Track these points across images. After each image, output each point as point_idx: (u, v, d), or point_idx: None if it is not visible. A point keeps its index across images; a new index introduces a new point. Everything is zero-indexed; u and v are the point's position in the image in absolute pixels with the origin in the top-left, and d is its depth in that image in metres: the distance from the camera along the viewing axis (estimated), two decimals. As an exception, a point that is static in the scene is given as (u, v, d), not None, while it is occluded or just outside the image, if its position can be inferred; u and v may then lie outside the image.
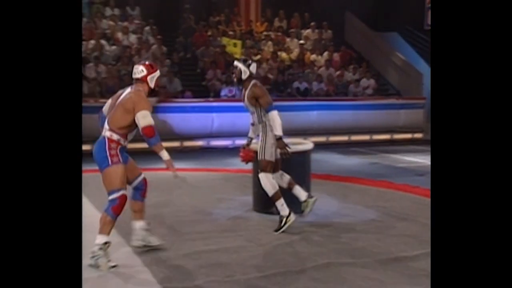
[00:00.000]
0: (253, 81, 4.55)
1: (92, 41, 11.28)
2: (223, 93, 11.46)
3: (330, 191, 6.15)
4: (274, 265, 3.69)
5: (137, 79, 3.81)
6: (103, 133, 3.72)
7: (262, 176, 4.54)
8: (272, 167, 4.57)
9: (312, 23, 14.19)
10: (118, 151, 3.66)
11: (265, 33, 13.90)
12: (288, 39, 13.80)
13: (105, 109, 3.94)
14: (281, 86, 12.13)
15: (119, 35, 11.96)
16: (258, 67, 12.27)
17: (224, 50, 12.72)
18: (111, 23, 12.23)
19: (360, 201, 5.73)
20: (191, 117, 10.52)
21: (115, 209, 3.59)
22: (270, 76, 12.27)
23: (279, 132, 4.44)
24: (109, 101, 3.97)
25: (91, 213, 4.74)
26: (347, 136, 11.57)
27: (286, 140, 4.62)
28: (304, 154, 5.26)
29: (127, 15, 12.84)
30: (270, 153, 4.53)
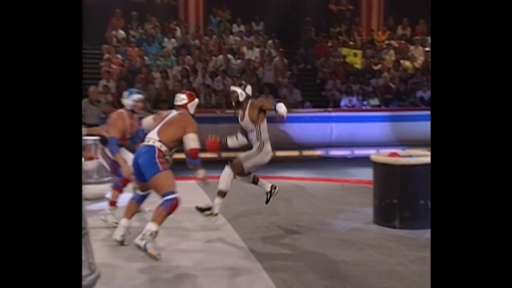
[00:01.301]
0: (250, 101, 4.91)
1: (220, 56, 11.97)
2: (343, 103, 11.37)
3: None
4: (398, 284, 3.55)
5: (179, 106, 4.37)
6: (149, 143, 4.08)
7: (228, 170, 4.88)
8: (239, 173, 4.93)
9: (440, 29, 13.46)
10: (164, 159, 4.06)
11: (387, 41, 13.51)
12: (412, 47, 13.24)
13: (146, 126, 4.54)
14: (402, 95, 11.68)
15: (244, 49, 12.53)
16: (378, 77, 12.09)
17: (344, 61, 12.62)
18: (237, 38, 12.87)
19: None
20: (311, 127, 10.59)
21: (172, 207, 3.94)
22: (392, 85, 11.89)
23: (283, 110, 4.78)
24: (150, 120, 4.55)
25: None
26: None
27: (409, 150, 4.52)
28: (429, 166, 4.99)
29: (253, 30, 13.41)
30: (249, 166, 4.89)
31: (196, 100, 4.44)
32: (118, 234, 4.29)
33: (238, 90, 4.92)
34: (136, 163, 4.09)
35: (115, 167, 5.14)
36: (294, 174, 8.40)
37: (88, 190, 6.37)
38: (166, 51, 12.01)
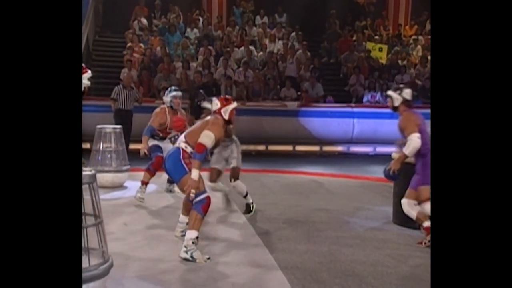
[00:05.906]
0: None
1: (242, 48, 11.86)
2: (365, 98, 11.17)
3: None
4: (416, 286, 3.44)
5: (214, 112, 4.28)
6: (177, 145, 4.15)
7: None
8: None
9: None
10: (190, 160, 4.01)
11: (414, 37, 13.20)
12: (439, 43, 12.93)
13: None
14: (428, 92, 11.40)
15: (267, 41, 12.39)
16: (404, 73, 11.82)
17: (369, 55, 12.39)
18: (260, 30, 12.74)
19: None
20: (332, 122, 10.43)
21: (204, 208, 3.93)
22: (418, 82, 11.62)
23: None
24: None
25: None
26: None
27: None
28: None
29: (276, 22, 13.25)
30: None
31: (232, 105, 4.27)
32: (178, 231, 4.40)
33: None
34: (165, 168, 4.14)
35: (152, 150, 5.91)
36: (313, 170, 8.28)
37: (106, 178, 6.40)
38: (184, 42, 11.94)
